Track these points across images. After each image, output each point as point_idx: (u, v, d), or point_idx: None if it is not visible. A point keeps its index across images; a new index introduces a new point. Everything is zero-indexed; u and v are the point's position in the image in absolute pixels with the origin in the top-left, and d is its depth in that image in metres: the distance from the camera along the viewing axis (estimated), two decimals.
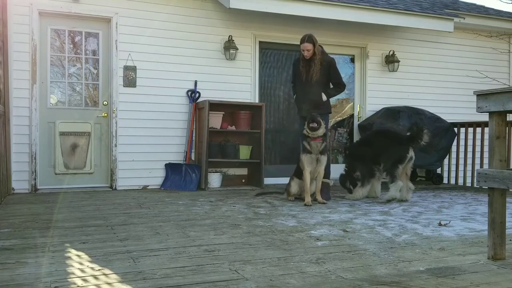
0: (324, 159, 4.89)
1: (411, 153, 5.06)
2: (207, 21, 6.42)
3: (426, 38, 7.65)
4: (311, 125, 4.85)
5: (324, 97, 5.13)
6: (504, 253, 2.63)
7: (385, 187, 5.24)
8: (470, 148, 6.84)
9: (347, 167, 5.42)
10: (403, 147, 5.05)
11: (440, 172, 7.23)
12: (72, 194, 5.38)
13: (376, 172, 5.25)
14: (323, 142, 4.90)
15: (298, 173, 5.01)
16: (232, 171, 6.52)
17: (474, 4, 8.84)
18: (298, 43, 6.94)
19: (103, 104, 6.10)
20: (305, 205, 4.71)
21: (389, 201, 4.91)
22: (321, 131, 4.87)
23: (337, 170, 7.34)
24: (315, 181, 4.96)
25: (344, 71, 7.60)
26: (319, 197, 4.90)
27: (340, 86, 5.30)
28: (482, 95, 2.65)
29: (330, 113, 5.46)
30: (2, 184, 4.73)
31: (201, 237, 3.17)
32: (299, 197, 5.08)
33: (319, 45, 5.18)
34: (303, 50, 5.09)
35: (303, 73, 5.16)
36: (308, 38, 5.09)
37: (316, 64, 5.09)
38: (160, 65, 6.16)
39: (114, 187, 5.92)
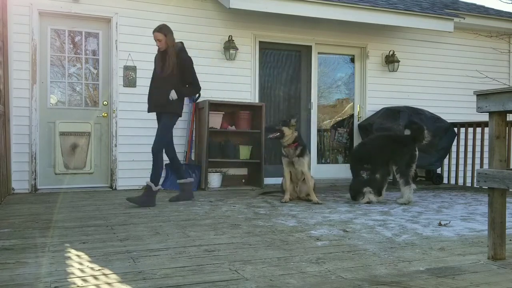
0: (301, 161, 4.95)
1: (417, 152, 5.06)
2: (207, 21, 6.42)
3: (426, 38, 7.65)
4: (269, 136, 5.00)
5: (173, 95, 4.67)
6: (504, 253, 2.63)
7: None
8: (470, 148, 6.84)
9: (361, 172, 5.03)
10: (411, 147, 4.99)
11: (440, 172, 7.23)
12: (72, 194, 5.38)
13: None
14: (297, 148, 4.93)
15: None
16: (232, 171, 6.52)
17: (474, 4, 8.84)
18: (298, 43, 7.02)
19: (103, 104, 6.10)
20: (281, 202, 4.86)
21: (405, 204, 4.83)
22: (287, 139, 4.90)
23: (337, 170, 7.38)
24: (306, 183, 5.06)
25: (344, 71, 7.62)
26: (313, 198, 4.92)
27: (195, 86, 4.91)
28: (482, 95, 2.65)
29: (179, 115, 4.88)
30: (2, 184, 4.73)
31: (201, 237, 3.17)
32: (298, 198, 5.12)
33: (180, 42, 4.84)
34: (155, 40, 4.74)
35: (158, 66, 4.80)
36: (160, 29, 4.71)
37: (170, 58, 4.68)
38: None
39: (114, 187, 5.92)
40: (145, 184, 4.67)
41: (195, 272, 2.35)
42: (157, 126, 4.80)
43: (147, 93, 4.90)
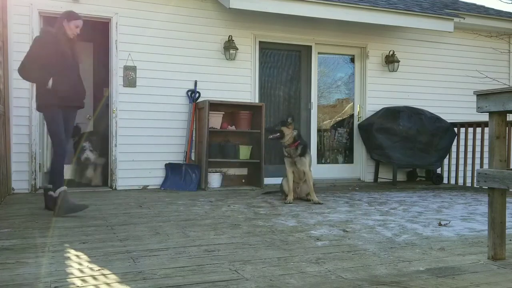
0: (302, 160, 4.97)
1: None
2: (207, 21, 6.42)
3: (426, 38, 7.65)
4: (270, 137, 5.02)
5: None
6: (504, 253, 2.63)
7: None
8: (470, 148, 6.85)
9: None
10: None
11: (440, 172, 7.23)
12: (72, 194, 5.36)
13: None
14: (298, 147, 4.95)
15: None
16: (232, 171, 6.52)
17: (474, 4, 8.84)
18: (298, 43, 7.02)
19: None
20: (285, 203, 4.84)
21: None
22: (287, 138, 4.94)
23: (337, 170, 7.38)
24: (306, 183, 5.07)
25: (344, 71, 7.62)
26: (314, 197, 4.93)
27: None
28: (482, 95, 2.65)
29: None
30: (2, 184, 4.73)
31: (201, 237, 3.17)
32: (298, 198, 5.12)
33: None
34: (77, 27, 4.18)
35: (69, 55, 4.17)
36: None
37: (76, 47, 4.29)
38: (160, 65, 6.16)
39: (114, 187, 5.92)
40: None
41: (195, 272, 2.35)
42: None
43: (68, 86, 4.09)
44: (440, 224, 3.70)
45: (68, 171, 6.37)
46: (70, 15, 4.17)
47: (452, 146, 7.15)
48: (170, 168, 6.11)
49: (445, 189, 6.51)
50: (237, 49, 6.45)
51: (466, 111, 7.33)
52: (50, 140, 6.17)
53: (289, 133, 4.96)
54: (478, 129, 6.71)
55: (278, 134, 4.97)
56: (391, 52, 7.37)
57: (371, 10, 6.48)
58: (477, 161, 6.66)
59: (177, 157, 6.23)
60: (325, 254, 2.72)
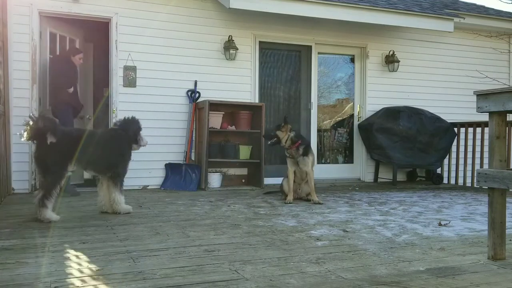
0: (305, 160, 4.96)
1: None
2: (207, 21, 6.42)
3: (426, 38, 7.65)
4: (269, 143, 5.07)
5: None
6: (504, 253, 2.63)
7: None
8: (470, 148, 6.85)
9: None
10: None
11: (440, 172, 7.23)
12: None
13: None
14: (299, 148, 4.94)
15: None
16: (232, 171, 6.52)
17: (474, 4, 8.84)
18: (298, 43, 7.02)
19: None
20: (285, 203, 4.83)
21: None
22: (284, 141, 4.95)
23: (337, 170, 7.38)
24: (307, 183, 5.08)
25: (344, 71, 7.63)
26: (314, 197, 4.92)
27: None
28: (482, 95, 2.65)
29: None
30: (2, 184, 4.73)
31: (201, 237, 3.17)
32: (298, 198, 5.12)
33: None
34: (80, 59, 5.56)
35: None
36: None
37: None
38: (160, 65, 6.16)
39: None
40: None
41: (195, 272, 2.35)
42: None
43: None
44: (440, 224, 3.70)
45: None
46: (75, 51, 5.57)
47: (452, 146, 7.15)
48: (170, 168, 6.11)
49: (445, 189, 6.51)
50: (237, 49, 6.45)
51: (466, 111, 7.33)
52: None
53: (284, 136, 4.96)
54: (478, 129, 6.72)
55: (275, 139, 5.00)
56: (391, 52, 7.37)
57: (371, 10, 6.48)
58: (477, 161, 6.66)
59: (177, 157, 6.23)
60: (325, 254, 2.73)
